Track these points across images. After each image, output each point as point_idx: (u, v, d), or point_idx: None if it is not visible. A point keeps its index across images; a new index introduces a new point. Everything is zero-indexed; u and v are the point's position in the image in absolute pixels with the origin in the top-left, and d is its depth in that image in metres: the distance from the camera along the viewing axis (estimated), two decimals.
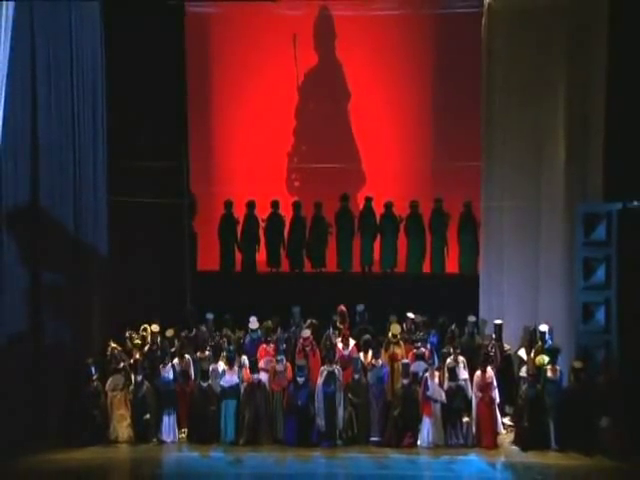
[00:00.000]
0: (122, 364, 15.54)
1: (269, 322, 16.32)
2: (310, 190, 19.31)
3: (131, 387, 15.37)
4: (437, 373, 15.18)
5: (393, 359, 15.67)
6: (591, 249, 15.54)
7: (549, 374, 15.14)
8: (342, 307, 16.66)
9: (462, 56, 18.47)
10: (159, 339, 16.11)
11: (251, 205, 18.54)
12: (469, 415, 15.01)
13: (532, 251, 16.74)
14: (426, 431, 14.97)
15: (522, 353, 16.04)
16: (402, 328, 16.16)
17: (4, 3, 14.11)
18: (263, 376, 15.34)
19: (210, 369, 15.42)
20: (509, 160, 17.01)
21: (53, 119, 15.17)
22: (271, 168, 19.40)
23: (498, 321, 16.42)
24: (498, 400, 15.23)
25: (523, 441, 14.91)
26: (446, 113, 19.04)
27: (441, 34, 19.02)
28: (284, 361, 15.48)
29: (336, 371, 15.17)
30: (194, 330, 16.57)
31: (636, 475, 13.69)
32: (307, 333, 15.98)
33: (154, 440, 15.27)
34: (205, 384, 15.30)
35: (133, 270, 17.24)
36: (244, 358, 15.60)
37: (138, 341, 16.21)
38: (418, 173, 19.35)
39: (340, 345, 15.92)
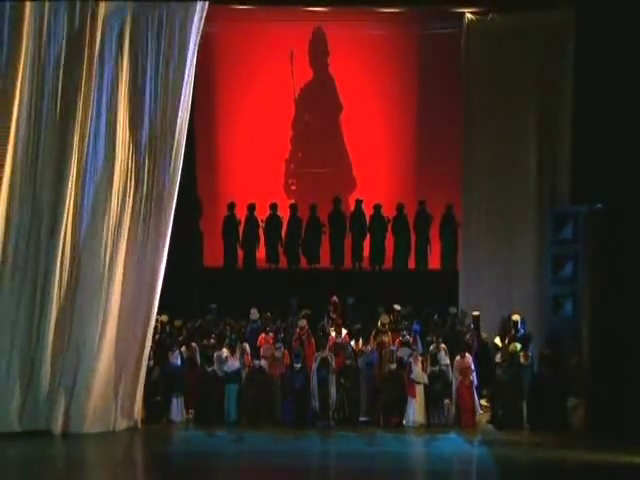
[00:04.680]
0: None
1: (268, 313, 16.37)
2: (305, 193, 19.42)
3: None
4: (420, 358, 15.30)
5: (381, 346, 15.73)
6: (560, 247, 15.65)
7: (522, 360, 15.31)
8: (335, 299, 16.71)
9: (444, 71, 18.55)
10: (168, 328, 16.13)
11: (252, 207, 18.60)
12: (450, 397, 15.13)
13: (507, 249, 16.95)
14: (411, 412, 15.09)
15: (497, 341, 16.15)
16: (389, 318, 16.29)
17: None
18: (263, 362, 15.41)
19: (214, 355, 15.47)
20: (486, 167, 17.19)
21: None
22: (270, 173, 19.46)
23: (476, 312, 16.59)
24: (476, 383, 15.36)
25: (498, 420, 15.07)
26: (430, 123, 19.09)
27: (425, 51, 19.09)
28: (282, 348, 15.49)
29: (329, 357, 15.25)
30: (199, 320, 16.61)
31: (598, 447, 13.84)
32: (303, 323, 15.99)
33: (164, 420, 15.37)
34: (210, 369, 15.39)
35: None
36: (246, 345, 15.66)
37: None
38: (404, 178, 19.44)
39: (333, 333, 15.96)
